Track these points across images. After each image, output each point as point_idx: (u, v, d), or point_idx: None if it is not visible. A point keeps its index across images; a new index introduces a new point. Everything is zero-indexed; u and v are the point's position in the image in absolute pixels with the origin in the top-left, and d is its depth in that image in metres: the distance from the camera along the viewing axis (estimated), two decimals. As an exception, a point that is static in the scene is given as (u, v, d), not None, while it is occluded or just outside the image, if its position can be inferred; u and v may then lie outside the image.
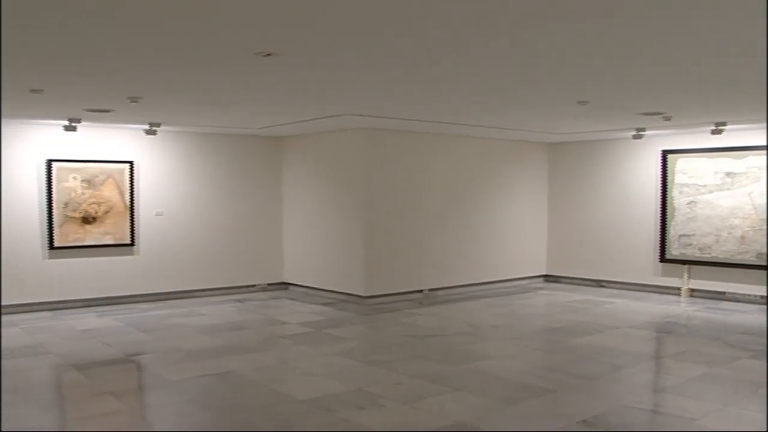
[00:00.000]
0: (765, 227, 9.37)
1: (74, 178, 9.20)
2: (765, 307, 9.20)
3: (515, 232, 11.63)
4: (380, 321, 8.66)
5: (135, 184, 9.68)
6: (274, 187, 11.05)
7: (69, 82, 5.94)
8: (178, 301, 9.93)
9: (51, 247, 9.10)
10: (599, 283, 11.26)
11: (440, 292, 10.48)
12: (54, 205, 9.06)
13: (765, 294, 9.38)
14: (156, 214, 9.92)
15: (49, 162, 9.01)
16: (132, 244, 9.71)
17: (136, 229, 9.73)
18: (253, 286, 10.86)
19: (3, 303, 8.72)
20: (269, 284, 11.02)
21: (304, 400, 5.31)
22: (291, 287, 11.09)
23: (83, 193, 9.26)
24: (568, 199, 11.81)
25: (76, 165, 9.20)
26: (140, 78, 5.76)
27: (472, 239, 10.96)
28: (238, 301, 10.06)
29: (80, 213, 9.26)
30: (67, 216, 9.16)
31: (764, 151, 9.30)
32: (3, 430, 4.23)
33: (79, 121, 8.44)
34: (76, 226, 9.23)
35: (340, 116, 8.36)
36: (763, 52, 4.58)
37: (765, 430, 4.64)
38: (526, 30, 4.16)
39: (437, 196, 10.47)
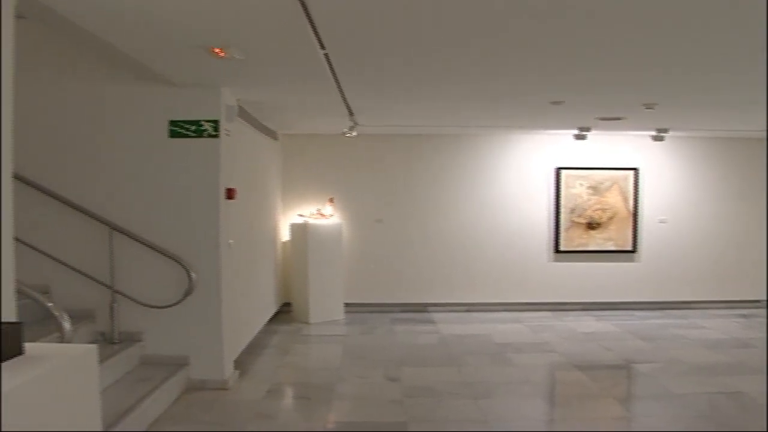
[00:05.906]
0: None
1: (581, 184, 9.59)
2: None
3: None
4: None
5: (639, 190, 9.68)
6: (791, 197, 9.94)
7: (588, 92, 6.15)
8: (676, 311, 9.60)
9: (556, 250, 9.64)
10: None
11: None
12: (561, 210, 9.58)
13: None
14: (659, 221, 9.76)
15: (558, 170, 9.55)
16: (633, 250, 9.72)
17: (638, 235, 9.72)
18: (758, 301, 9.93)
19: (513, 300, 9.54)
20: (777, 301, 9.97)
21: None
22: (803, 306, 9.86)
23: (588, 200, 9.60)
24: None
25: (583, 172, 9.59)
26: (658, 83, 5.67)
27: None
28: (742, 316, 9.28)
29: (585, 218, 9.62)
30: (572, 221, 9.60)
31: None
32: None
33: (588, 129, 8.76)
34: (580, 231, 9.62)
35: None
36: None
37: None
38: None
39: None
